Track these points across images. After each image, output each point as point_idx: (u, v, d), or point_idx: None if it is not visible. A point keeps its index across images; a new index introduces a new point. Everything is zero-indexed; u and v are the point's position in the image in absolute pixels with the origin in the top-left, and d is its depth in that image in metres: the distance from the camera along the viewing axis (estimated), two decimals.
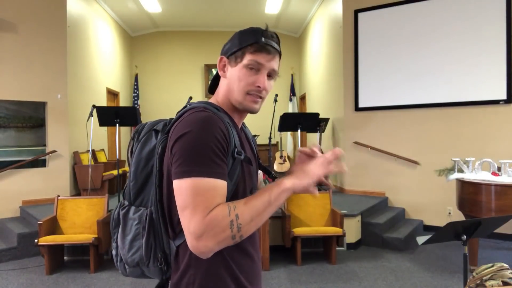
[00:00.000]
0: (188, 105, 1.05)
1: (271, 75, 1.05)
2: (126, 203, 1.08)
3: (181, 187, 0.89)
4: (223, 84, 1.07)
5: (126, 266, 1.06)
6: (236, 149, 0.97)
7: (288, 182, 0.94)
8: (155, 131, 1.06)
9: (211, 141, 0.91)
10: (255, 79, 1.01)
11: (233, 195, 0.98)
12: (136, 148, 1.08)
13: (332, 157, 0.99)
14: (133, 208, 1.05)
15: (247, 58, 1.01)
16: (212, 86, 1.14)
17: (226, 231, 0.86)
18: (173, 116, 1.07)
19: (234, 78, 1.03)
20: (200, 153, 0.89)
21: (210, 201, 0.88)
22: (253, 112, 1.06)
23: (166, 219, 1.01)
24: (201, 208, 0.87)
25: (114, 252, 1.10)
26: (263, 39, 1.01)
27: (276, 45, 1.04)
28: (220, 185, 0.91)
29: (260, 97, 1.04)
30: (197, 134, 0.91)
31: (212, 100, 1.10)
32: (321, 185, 1.09)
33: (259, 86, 1.01)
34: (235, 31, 1.08)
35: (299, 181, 0.95)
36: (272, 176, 1.25)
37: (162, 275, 1.04)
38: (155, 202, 1.01)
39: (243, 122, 1.19)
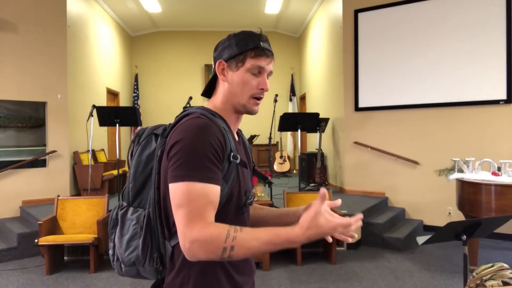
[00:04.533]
0: (185, 110, 1.07)
1: (267, 76, 1.11)
2: (125, 204, 1.10)
3: (176, 191, 0.93)
4: (222, 88, 1.10)
5: (122, 265, 1.08)
6: (232, 153, 1.01)
7: (300, 237, 0.89)
8: (155, 135, 1.10)
9: (207, 148, 0.94)
10: (258, 82, 1.07)
11: (229, 197, 1.02)
12: (136, 151, 1.10)
13: (351, 224, 0.92)
14: (131, 209, 1.08)
15: (250, 63, 1.05)
16: (208, 90, 1.15)
17: (216, 252, 0.88)
18: (173, 117, 1.09)
19: (237, 82, 1.06)
20: (195, 158, 0.93)
21: (203, 208, 0.91)
22: (254, 113, 1.11)
23: (162, 220, 1.03)
24: (196, 215, 0.90)
25: (111, 252, 1.12)
26: (261, 43, 1.06)
27: (271, 48, 1.09)
28: (213, 190, 0.94)
29: (261, 98, 1.10)
30: (193, 140, 0.94)
31: (209, 105, 1.12)
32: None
33: (262, 89, 1.07)
34: (235, 31, 1.10)
35: (308, 238, 0.90)
36: (268, 181, 1.28)
37: (157, 275, 1.06)
38: (153, 203, 1.04)
39: (239, 129, 1.21)
